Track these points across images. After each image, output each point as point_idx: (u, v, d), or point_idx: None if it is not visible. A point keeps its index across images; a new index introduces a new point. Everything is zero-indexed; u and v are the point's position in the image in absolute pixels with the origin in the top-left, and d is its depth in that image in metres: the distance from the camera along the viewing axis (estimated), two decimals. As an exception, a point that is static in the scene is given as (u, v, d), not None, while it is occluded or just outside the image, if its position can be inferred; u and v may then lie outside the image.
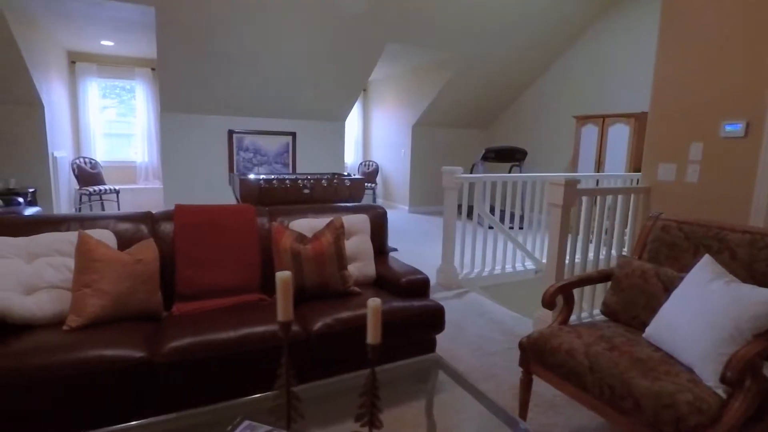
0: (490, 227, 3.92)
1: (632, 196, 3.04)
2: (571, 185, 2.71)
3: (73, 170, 6.36)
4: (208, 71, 5.48)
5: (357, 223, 2.58)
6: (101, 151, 7.26)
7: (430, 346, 2.30)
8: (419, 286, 2.35)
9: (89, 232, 2.01)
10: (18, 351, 1.59)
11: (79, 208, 6.57)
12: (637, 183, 4.48)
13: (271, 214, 2.53)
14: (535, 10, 5.59)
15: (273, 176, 4.83)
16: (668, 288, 1.78)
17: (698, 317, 1.52)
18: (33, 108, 5.24)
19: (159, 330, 1.88)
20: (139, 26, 5.26)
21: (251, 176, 4.81)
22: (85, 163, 6.58)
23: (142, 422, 1.25)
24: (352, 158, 9.03)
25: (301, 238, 2.30)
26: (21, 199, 4.83)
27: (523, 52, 6.41)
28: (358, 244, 2.53)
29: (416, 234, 6.06)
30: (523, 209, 4.30)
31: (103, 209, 6.87)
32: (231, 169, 5.97)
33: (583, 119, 5.92)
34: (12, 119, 5.18)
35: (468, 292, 3.71)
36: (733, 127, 2.52)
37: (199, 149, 6.08)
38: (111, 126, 7.38)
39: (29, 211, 4.46)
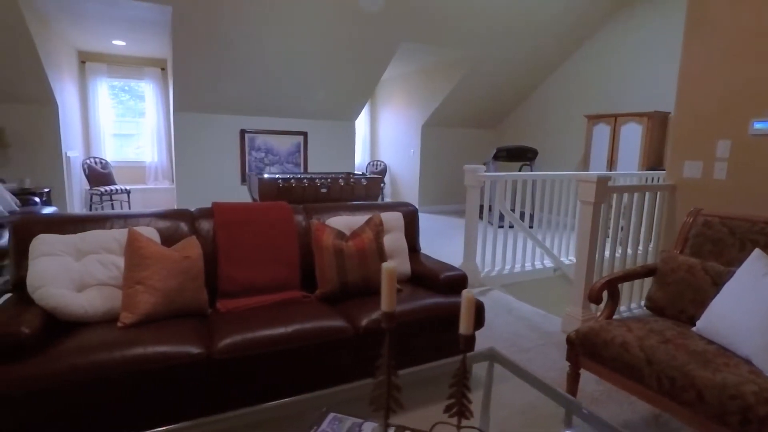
0: (511, 226, 3.93)
1: (657, 193, 3.07)
2: (602, 183, 2.73)
3: (84, 170, 6.34)
4: (222, 71, 5.48)
5: (391, 220, 2.59)
6: (110, 151, 7.25)
7: (472, 343, 2.31)
8: (458, 282, 2.37)
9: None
10: (77, 348, 1.59)
11: (91, 208, 6.55)
12: (656, 180, 4.51)
13: (307, 211, 2.54)
14: (546, 10, 5.62)
15: (290, 175, 4.84)
16: (717, 282, 1.80)
17: (754, 310, 1.54)
18: (48, 107, 5.23)
19: (209, 326, 1.89)
20: (152, 25, 5.26)
21: (268, 176, 4.81)
22: (96, 163, 6.56)
23: (219, 417, 1.26)
24: (359, 158, 9.04)
25: (341, 235, 2.31)
26: (37, 199, 4.82)
27: (534, 53, 6.43)
28: (393, 241, 2.54)
29: (430, 233, 6.08)
30: (535, 207, 4.31)
31: (113, 209, 6.85)
32: (243, 169, 5.97)
33: (595, 118, 5.95)
34: (28, 118, 5.17)
35: (491, 289, 3.72)
36: (764, 125, 2.55)
37: (211, 149, 6.08)
38: (120, 126, 7.37)
39: (46, 210, 4.45)
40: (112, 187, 6.43)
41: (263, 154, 6.30)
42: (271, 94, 5.93)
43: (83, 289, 1.85)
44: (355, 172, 5.49)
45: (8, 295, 1.99)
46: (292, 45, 5.31)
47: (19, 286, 1.87)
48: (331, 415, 1.13)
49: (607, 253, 3.06)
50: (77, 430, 1.53)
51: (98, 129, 7.06)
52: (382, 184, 7.95)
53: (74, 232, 1.97)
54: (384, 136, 8.86)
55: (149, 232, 2.07)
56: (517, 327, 2.98)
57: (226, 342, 1.74)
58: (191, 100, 5.76)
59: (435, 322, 2.13)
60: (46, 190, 5.20)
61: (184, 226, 2.24)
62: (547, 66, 6.82)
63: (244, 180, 6.05)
